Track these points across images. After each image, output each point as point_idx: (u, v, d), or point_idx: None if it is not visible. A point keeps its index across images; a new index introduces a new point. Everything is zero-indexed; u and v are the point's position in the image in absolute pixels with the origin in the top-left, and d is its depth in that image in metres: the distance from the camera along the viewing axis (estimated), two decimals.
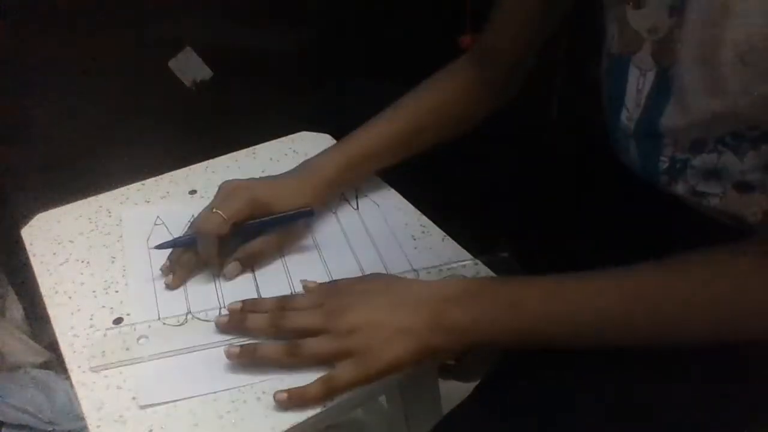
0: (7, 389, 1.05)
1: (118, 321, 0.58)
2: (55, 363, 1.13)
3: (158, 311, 0.59)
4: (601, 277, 0.51)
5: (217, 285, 0.62)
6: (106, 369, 0.54)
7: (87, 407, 0.51)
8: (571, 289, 0.51)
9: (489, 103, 0.75)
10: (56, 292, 0.62)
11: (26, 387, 1.05)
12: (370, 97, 0.74)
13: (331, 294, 0.56)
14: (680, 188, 0.60)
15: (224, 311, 0.58)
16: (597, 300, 0.50)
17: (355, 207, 0.72)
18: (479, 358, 0.72)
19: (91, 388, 0.52)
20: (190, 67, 1.31)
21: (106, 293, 0.61)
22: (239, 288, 0.62)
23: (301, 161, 0.70)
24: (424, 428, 0.73)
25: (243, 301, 0.57)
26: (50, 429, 1.03)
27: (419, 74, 0.76)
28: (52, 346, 1.14)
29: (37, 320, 1.16)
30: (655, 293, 0.49)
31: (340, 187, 0.71)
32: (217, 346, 0.55)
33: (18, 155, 1.17)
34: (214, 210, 0.61)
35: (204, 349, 0.55)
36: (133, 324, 0.58)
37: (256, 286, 0.62)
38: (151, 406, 0.51)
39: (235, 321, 0.55)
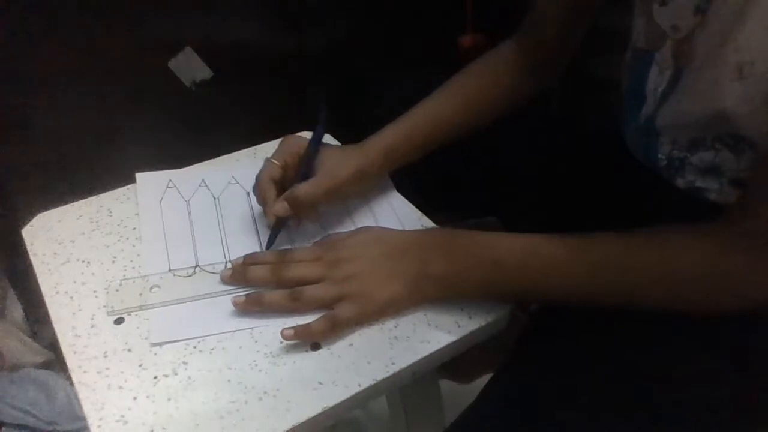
0: (7, 389, 1.04)
1: (119, 321, 0.58)
2: (55, 363, 1.13)
3: (169, 264, 0.64)
4: (575, 241, 0.54)
5: (224, 240, 0.67)
6: (123, 314, 0.59)
7: (88, 407, 0.51)
8: (545, 251, 0.55)
9: (534, 84, 0.76)
10: (57, 292, 0.61)
11: (26, 387, 1.05)
12: (371, 97, 0.74)
13: (327, 247, 0.60)
14: (679, 182, 0.60)
15: (230, 265, 0.63)
16: (567, 263, 0.54)
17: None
18: (477, 359, 0.72)
19: (93, 389, 0.52)
20: (190, 67, 1.31)
21: (108, 293, 0.61)
22: (244, 244, 0.66)
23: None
24: (424, 428, 0.73)
25: (245, 256, 0.62)
26: (50, 429, 1.03)
27: (420, 74, 0.76)
28: (52, 346, 1.14)
29: (37, 320, 1.16)
30: (621, 262, 0.52)
31: (396, 157, 0.71)
32: (223, 295, 0.60)
33: (18, 155, 1.17)
34: (269, 159, 0.67)
35: (210, 297, 0.60)
36: (146, 276, 0.62)
37: (260, 243, 0.66)
38: (160, 344, 0.56)
39: (239, 273, 0.60)
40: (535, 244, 0.55)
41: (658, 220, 0.52)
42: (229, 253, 0.65)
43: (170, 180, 0.75)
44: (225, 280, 0.61)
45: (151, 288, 0.61)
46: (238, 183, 0.75)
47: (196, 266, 0.64)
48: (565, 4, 0.71)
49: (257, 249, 0.66)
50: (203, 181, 0.75)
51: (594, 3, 0.70)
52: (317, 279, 0.57)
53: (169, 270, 0.63)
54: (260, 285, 0.59)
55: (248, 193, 0.74)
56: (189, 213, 0.71)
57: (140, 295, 0.60)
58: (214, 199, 0.73)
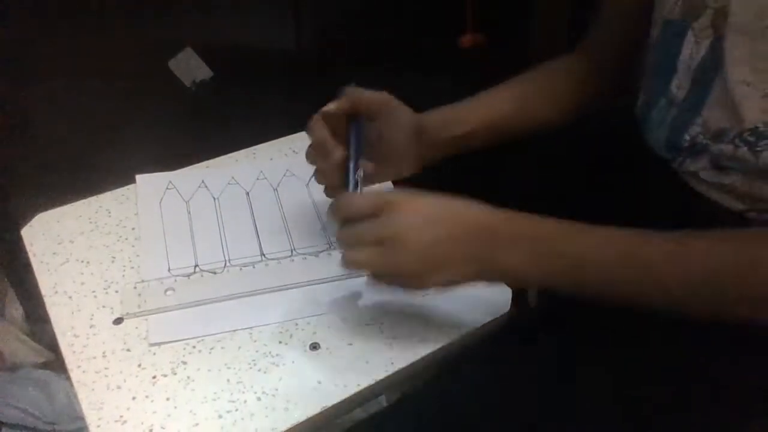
0: (7, 389, 1.05)
1: (118, 321, 0.58)
2: (55, 363, 1.13)
3: (168, 265, 0.64)
4: (666, 243, 0.49)
5: (223, 241, 0.67)
6: (134, 317, 0.59)
7: (87, 407, 0.51)
8: (640, 252, 0.50)
9: (599, 94, 0.74)
10: (56, 292, 0.62)
11: (26, 387, 1.05)
12: None
13: (386, 207, 0.52)
14: (689, 166, 0.60)
15: (229, 265, 0.64)
16: (662, 268, 0.49)
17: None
18: None
19: (92, 388, 0.52)
20: (190, 67, 1.31)
21: (107, 293, 0.61)
22: (244, 245, 0.67)
23: (301, 161, 0.70)
24: None
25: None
26: (50, 429, 1.03)
27: (420, 74, 0.76)
28: (52, 346, 1.14)
29: (37, 320, 1.17)
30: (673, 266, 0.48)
31: (443, 135, 0.67)
32: (222, 300, 0.60)
33: (18, 155, 1.17)
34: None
35: (211, 303, 0.60)
36: (147, 281, 0.62)
37: (260, 245, 0.67)
38: (159, 344, 0.56)
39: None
40: (626, 242, 0.50)
41: (668, 215, 0.51)
42: (228, 253, 0.65)
43: (170, 181, 0.75)
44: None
45: (165, 291, 0.61)
46: (237, 183, 0.75)
47: (196, 266, 0.64)
48: (626, 17, 0.70)
49: (257, 249, 0.66)
50: (203, 182, 0.75)
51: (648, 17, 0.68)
52: (372, 243, 0.51)
53: (169, 270, 0.63)
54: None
55: (248, 194, 0.74)
56: (189, 214, 0.71)
57: (144, 301, 0.60)
58: (214, 199, 0.73)
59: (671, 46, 0.60)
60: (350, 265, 0.52)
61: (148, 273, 0.63)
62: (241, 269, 0.64)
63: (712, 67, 0.56)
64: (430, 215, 0.52)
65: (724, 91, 0.55)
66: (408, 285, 0.52)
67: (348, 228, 0.53)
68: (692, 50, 0.58)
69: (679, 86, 0.61)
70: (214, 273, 0.63)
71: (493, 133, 0.70)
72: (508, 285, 0.57)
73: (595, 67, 0.73)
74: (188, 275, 0.63)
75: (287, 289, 0.61)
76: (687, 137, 0.60)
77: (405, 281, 0.52)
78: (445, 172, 0.78)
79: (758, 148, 0.54)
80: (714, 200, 0.60)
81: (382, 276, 0.52)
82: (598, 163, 0.75)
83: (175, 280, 0.62)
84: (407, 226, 0.51)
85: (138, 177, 0.75)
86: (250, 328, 0.57)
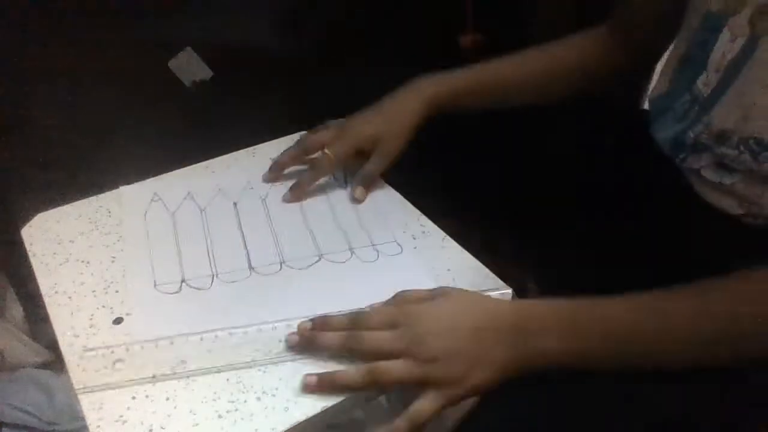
0: (7, 389, 1.05)
1: (118, 321, 0.58)
2: (55, 363, 1.13)
3: (154, 280, 0.62)
4: (684, 294, 0.50)
5: (210, 254, 0.66)
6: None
7: (87, 407, 0.51)
8: (659, 307, 0.50)
9: (621, 68, 0.75)
10: (56, 292, 0.61)
11: (26, 387, 1.05)
12: (371, 97, 0.74)
13: (406, 314, 0.53)
14: (690, 163, 0.60)
15: (216, 281, 0.62)
16: (681, 322, 0.49)
17: (345, 184, 0.75)
18: None
19: (91, 388, 0.52)
20: (190, 67, 1.31)
21: (106, 293, 0.61)
22: (231, 257, 0.65)
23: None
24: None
25: (312, 320, 0.55)
26: (50, 429, 1.03)
27: (420, 74, 0.76)
28: (52, 346, 1.14)
29: (37, 320, 1.16)
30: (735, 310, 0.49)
31: (444, 109, 0.71)
32: (214, 331, 0.57)
33: (18, 155, 1.17)
34: (325, 151, 0.69)
35: (199, 334, 0.56)
36: (111, 347, 0.56)
37: (247, 256, 0.65)
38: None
39: (307, 340, 0.54)
40: (645, 302, 0.50)
41: (666, 215, 0.50)
42: (216, 267, 0.64)
43: (155, 193, 0.74)
44: (291, 344, 0.54)
45: (114, 363, 0.54)
46: (224, 194, 0.74)
47: (183, 281, 0.63)
48: None
49: (245, 262, 0.65)
50: (189, 193, 0.74)
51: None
52: (397, 354, 0.50)
53: (154, 286, 0.62)
54: (330, 353, 0.53)
55: (235, 204, 0.73)
56: (174, 225, 0.70)
57: (105, 369, 0.54)
58: (200, 211, 0.72)
59: (706, 40, 0.58)
60: (390, 383, 0.50)
61: (133, 288, 0.61)
62: (228, 285, 0.62)
63: (740, 67, 0.54)
64: (451, 312, 0.52)
65: (741, 93, 0.54)
66: (446, 393, 0.50)
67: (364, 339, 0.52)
68: (726, 47, 0.56)
69: (705, 83, 0.59)
70: (201, 289, 0.62)
71: (487, 94, 0.72)
72: (535, 371, 0.51)
73: (620, 41, 0.72)
74: (175, 291, 0.61)
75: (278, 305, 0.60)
76: (691, 135, 0.60)
77: (442, 388, 0.49)
78: (446, 171, 0.78)
79: (761, 159, 0.53)
80: (712, 204, 0.60)
81: (417, 383, 0.50)
82: (600, 158, 0.75)
83: (127, 350, 0.55)
84: (433, 325, 0.51)
85: (122, 188, 0.74)
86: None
